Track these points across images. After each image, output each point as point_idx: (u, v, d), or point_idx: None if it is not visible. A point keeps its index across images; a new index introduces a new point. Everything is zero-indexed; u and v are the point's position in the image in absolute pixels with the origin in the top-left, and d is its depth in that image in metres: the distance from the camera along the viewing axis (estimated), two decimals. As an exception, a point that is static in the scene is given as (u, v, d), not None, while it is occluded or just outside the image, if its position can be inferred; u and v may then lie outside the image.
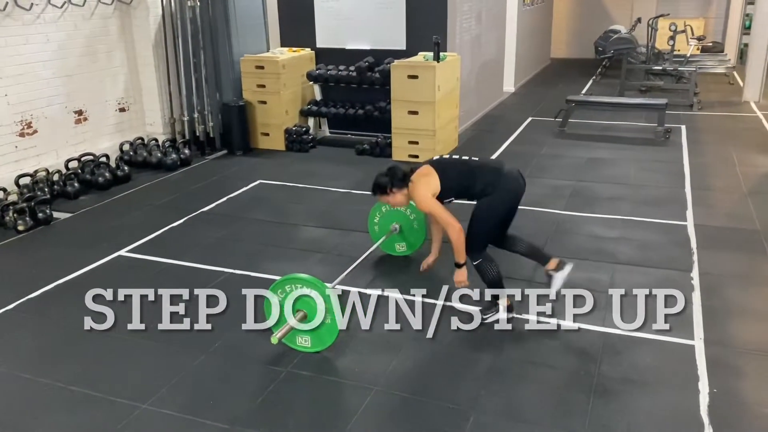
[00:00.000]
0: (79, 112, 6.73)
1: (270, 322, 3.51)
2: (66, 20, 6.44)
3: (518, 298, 4.00)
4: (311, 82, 7.80)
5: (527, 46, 11.70)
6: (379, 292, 4.12)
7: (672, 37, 10.70)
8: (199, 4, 7.13)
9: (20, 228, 5.20)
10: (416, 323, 3.74)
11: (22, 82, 6.06)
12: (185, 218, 5.48)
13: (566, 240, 4.90)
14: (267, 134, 7.60)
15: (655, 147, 7.45)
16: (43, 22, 6.21)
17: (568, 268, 3.84)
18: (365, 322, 3.79)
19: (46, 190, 5.82)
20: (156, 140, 7.21)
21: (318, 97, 7.90)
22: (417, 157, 6.95)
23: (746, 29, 12.28)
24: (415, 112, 6.87)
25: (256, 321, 3.72)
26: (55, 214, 5.54)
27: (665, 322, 3.71)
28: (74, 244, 5.04)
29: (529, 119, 8.92)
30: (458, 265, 3.66)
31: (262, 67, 7.38)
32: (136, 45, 7.26)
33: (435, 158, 3.86)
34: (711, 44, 13.48)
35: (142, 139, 7.23)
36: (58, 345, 3.64)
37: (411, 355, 3.48)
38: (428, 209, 3.65)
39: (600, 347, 3.49)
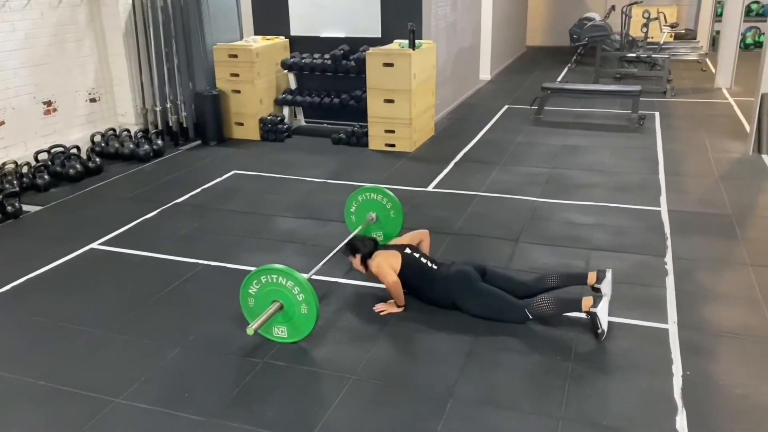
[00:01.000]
0: (48, 103, 6.59)
1: (246, 314, 3.49)
2: (32, 8, 6.28)
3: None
4: (286, 71, 7.73)
5: (503, 34, 11.70)
6: (355, 281, 4.11)
7: (645, 25, 10.78)
8: (170, -9, 7.01)
9: (-12, 222, 5.09)
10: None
11: (-12, 72, 5.92)
12: (159, 210, 5.40)
13: (542, 227, 4.92)
14: (241, 124, 7.52)
15: (630, 134, 7.51)
16: (9, 10, 6.05)
17: (609, 275, 3.70)
18: (342, 312, 3.78)
19: (14, 182, 5.68)
20: (128, 131, 7.09)
21: (293, 85, 7.83)
22: (393, 145, 6.94)
23: (718, 16, 12.42)
24: (391, 101, 6.84)
25: (231, 312, 3.69)
26: (25, 207, 5.42)
27: (639, 306, 3.76)
28: (45, 237, 4.95)
29: (505, 107, 8.94)
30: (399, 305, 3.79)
31: (235, 56, 7.29)
32: (105, 34, 7.12)
33: (407, 251, 3.85)
34: (684, 31, 13.62)
35: (114, 129, 7.11)
36: (29, 340, 3.57)
37: (388, 344, 3.47)
38: (380, 273, 3.75)
39: (575, 332, 3.51)
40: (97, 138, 6.94)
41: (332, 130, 7.54)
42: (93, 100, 7.14)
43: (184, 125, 7.39)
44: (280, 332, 3.45)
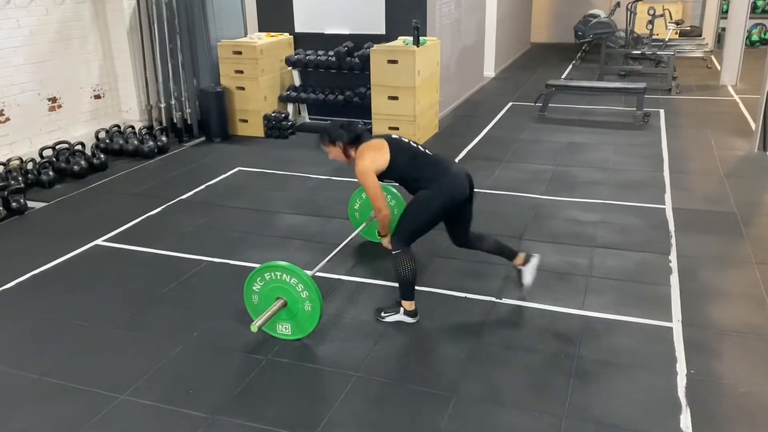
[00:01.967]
0: (53, 99, 6.60)
1: (249, 311, 3.49)
2: (37, 5, 6.29)
3: (499, 282, 4.02)
4: (290, 68, 7.72)
5: (507, 31, 11.68)
6: (359, 278, 4.11)
7: (650, 22, 10.73)
8: (174, -12, 7.01)
9: (-6, 218, 5.10)
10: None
11: (-7, 69, 5.93)
12: (163, 206, 5.41)
13: (545, 224, 4.91)
14: (245, 121, 7.52)
15: (634, 131, 7.49)
16: (14, 7, 6.06)
17: (535, 261, 3.82)
18: (346, 309, 3.78)
19: (19, 179, 5.70)
20: (132, 127, 7.10)
21: (297, 82, 7.82)
22: (397, 142, 6.93)
23: (724, 13, 12.36)
24: (395, 98, 6.83)
25: (235, 309, 3.70)
26: (30, 204, 5.44)
27: (643, 304, 3.75)
28: (50, 233, 4.96)
29: (510, 104, 8.92)
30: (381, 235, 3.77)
31: (239, 53, 7.28)
32: (110, 30, 7.12)
33: (394, 137, 3.67)
34: (689, 28, 13.56)
35: (119, 126, 7.12)
36: (33, 336, 3.58)
37: (391, 341, 3.47)
38: (366, 182, 3.49)
39: (579, 330, 3.51)
40: (102, 134, 6.95)
41: (336, 126, 7.53)
42: (97, 97, 7.15)
43: (189, 122, 7.39)
44: (283, 329, 3.45)
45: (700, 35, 13.08)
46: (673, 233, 4.71)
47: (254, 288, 3.44)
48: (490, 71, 10.82)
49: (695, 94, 9.41)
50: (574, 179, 5.88)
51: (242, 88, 7.41)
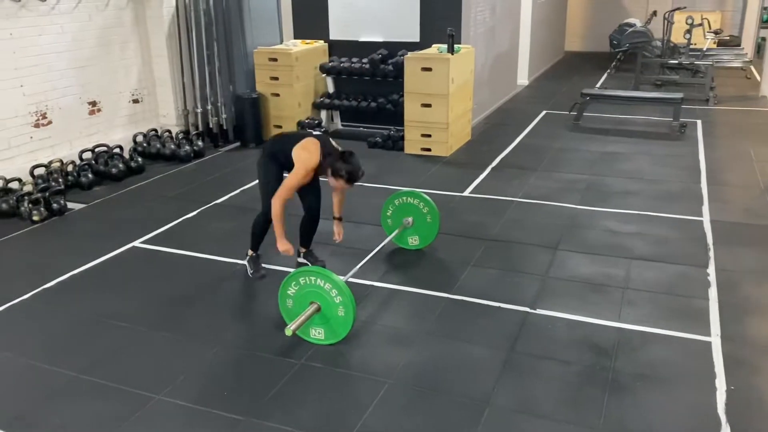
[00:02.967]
0: (93, 103, 6.75)
1: (284, 314, 3.52)
2: (80, 11, 6.45)
3: (534, 292, 3.99)
4: (324, 75, 7.78)
5: (541, 39, 11.61)
6: (391, 285, 4.11)
7: (688, 31, 10.57)
8: (212, -5, 7.13)
9: (35, 218, 5.22)
10: (429, 317, 3.73)
11: (37, 73, 6.08)
12: (199, 210, 5.49)
13: (581, 235, 4.86)
14: (279, 126, 7.59)
15: (671, 141, 7.37)
16: (58, 13, 6.22)
17: (302, 260, 4.35)
18: (378, 315, 3.78)
19: (60, 180, 5.84)
20: (169, 132, 7.22)
21: (330, 89, 7.88)
22: (429, 150, 6.93)
23: (764, 23, 12.14)
24: (428, 105, 6.83)
25: (269, 313, 3.73)
26: (70, 205, 5.56)
27: (681, 318, 3.68)
28: (88, 234, 5.06)
29: (543, 112, 8.86)
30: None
31: (275, 60, 7.37)
32: (149, 36, 7.27)
33: (324, 139, 4.04)
34: (728, 38, 13.32)
35: (156, 130, 7.24)
36: (72, 335, 3.65)
37: (424, 349, 3.46)
38: (295, 176, 3.88)
39: (615, 342, 3.46)
40: (139, 138, 7.08)
41: (368, 133, 7.57)
42: (136, 101, 7.29)
43: (224, 127, 7.49)
44: (317, 334, 3.47)
45: (739, 45, 12.84)
46: (711, 246, 4.62)
47: (289, 292, 3.47)
48: (523, 79, 10.77)
49: (734, 104, 9.23)
50: (610, 189, 5.81)
51: (277, 95, 7.48)
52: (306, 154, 3.89)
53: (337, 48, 7.90)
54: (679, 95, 7.89)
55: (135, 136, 7.07)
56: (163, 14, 7.17)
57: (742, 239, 4.74)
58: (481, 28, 8.06)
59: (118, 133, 7.05)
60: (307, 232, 4.40)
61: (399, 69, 7.08)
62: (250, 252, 4.32)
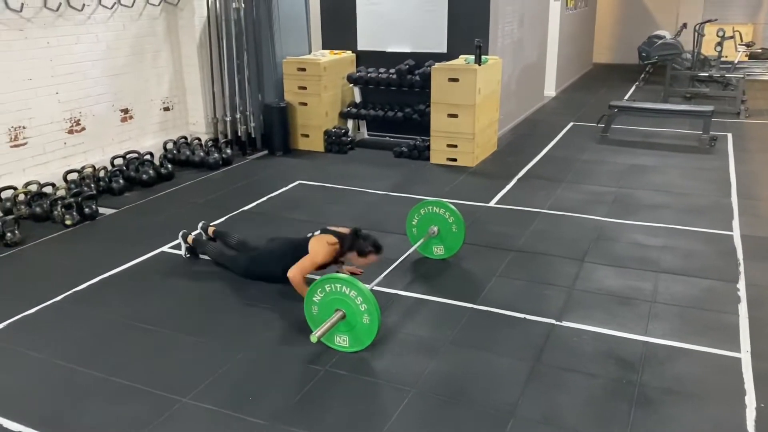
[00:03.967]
0: (125, 111, 6.89)
1: (309, 321, 3.54)
2: (115, 20, 6.60)
3: (560, 304, 3.97)
4: (351, 85, 7.84)
5: (569, 51, 11.57)
6: (416, 294, 4.12)
7: (719, 43, 10.46)
8: (243, 6, 7.23)
9: (68, 222, 5.34)
10: (454, 326, 3.73)
11: (73, 81, 6.23)
12: (226, 216, 5.56)
13: (608, 247, 4.82)
14: (307, 135, 7.67)
15: (700, 155, 7.28)
16: (94, 22, 6.37)
17: (182, 251, 4.72)
18: (403, 324, 3.79)
19: (92, 186, 5.97)
20: (199, 139, 7.33)
21: (357, 99, 7.93)
22: (455, 160, 6.94)
23: (797, 36, 11.94)
24: (454, 115, 6.84)
25: (294, 319, 3.76)
26: (101, 210, 5.67)
27: (710, 333, 3.63)
28: (119, 239, 5.16)
29: (571, 124, 8.82)
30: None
31: (303, 69, 7.45)
32: (181, 45, 7.40)
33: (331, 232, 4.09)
34: (760, 51, 13.14)
35: (186, 138, 7.36)
36: (102, 337, 3.72)
37: (448, 358, 3.46)
38: (309, 260, 3.94)
39: (642, 356, 3.43)
40: (170, 145, 7.20)
41: (394, 143, 7.60)
42: (166, 109, 7.42)
43: (252, 135, 7.58)
44: (341, 341, 3.49)
45: (772, 58, 12.66)
46: (741, 261, 4.55)
47: (314, 299, 3.49)
48: (551, 91, 10.73)
49: (766, 118, 9.09)
50: (638, 202, 5.76)
51: (305, 104, 7.56)
52: (326, 248, 3.96)
53: (364, 58, 7.96)
54: (709, 108, 7.81)
55: (165, 143, 7.19)
56: (195, 24, 7.30)
57: (774, 254, 4.66)
58: (509, 39, 8.06)
59: (149, 140, 7.18)
60: (218, 258, 4.60)
61: (426, 79, 7.11)
62: (190, 238, 4.73)
